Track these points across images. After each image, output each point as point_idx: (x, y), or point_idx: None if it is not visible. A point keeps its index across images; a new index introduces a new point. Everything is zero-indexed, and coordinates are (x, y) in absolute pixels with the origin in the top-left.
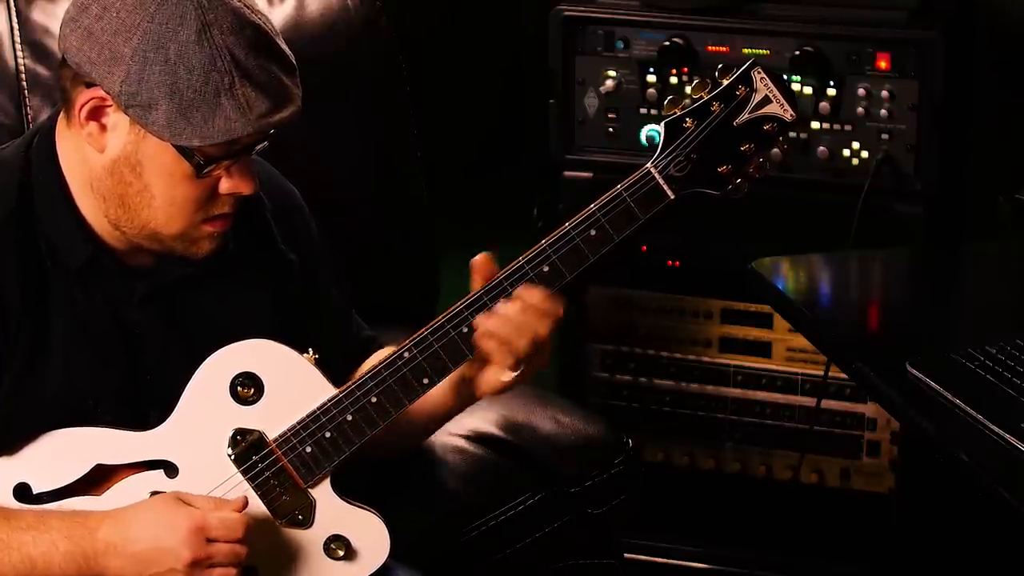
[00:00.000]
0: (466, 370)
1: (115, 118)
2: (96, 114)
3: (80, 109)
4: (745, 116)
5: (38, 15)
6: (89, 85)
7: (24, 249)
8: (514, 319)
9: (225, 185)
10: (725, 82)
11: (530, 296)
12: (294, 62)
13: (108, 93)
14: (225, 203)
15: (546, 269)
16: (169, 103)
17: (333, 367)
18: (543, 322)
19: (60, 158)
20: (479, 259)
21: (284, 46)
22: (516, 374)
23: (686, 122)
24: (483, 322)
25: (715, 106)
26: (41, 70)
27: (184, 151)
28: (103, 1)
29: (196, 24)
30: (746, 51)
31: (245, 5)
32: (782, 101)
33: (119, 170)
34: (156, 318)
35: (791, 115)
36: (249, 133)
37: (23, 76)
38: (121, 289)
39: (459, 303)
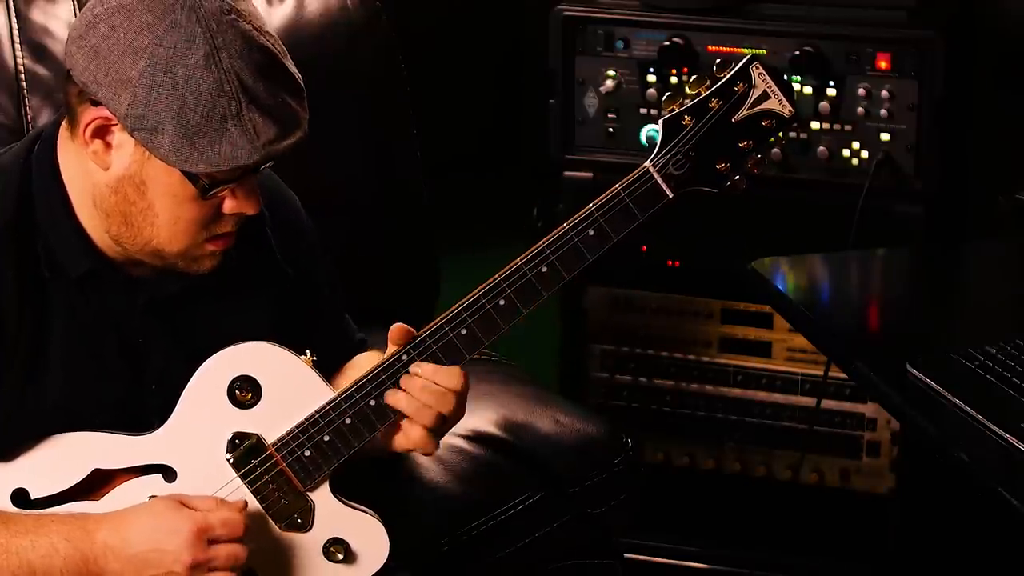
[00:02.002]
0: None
1: (120, 137)
2: (101, 132)
3: (85, 127)
4: (743, 112)
5: (38, 15)
6: (95, 103)
7: (23, 259)
8: (417, 398)
9: (229, 205)
10: (723, 78)
11: (430, 374)
12: (302, 84)
13: (114, 114)
14: (228, 222)
15: (545, 270)
16: (175, 128)
17: (323, 369)
18: (446, 400)
19: (61, 168)
20: (395, 331)
21: (292, 68)
22: (427, 442)
23: (684, 119)
24: (390, 398)
25: (713, 102)
26: (41, 70)
27: (189, 175)
28: (111, 20)
29: (205, 48)
30: (747, 51)
31: (255, 28)
32: (780, 97)
33: (123, 189)
34: (158, 328)
35: (789, 111)
36: (256, 160)
37: (23, 76)
38: (122, 300)
39: (457, 305)
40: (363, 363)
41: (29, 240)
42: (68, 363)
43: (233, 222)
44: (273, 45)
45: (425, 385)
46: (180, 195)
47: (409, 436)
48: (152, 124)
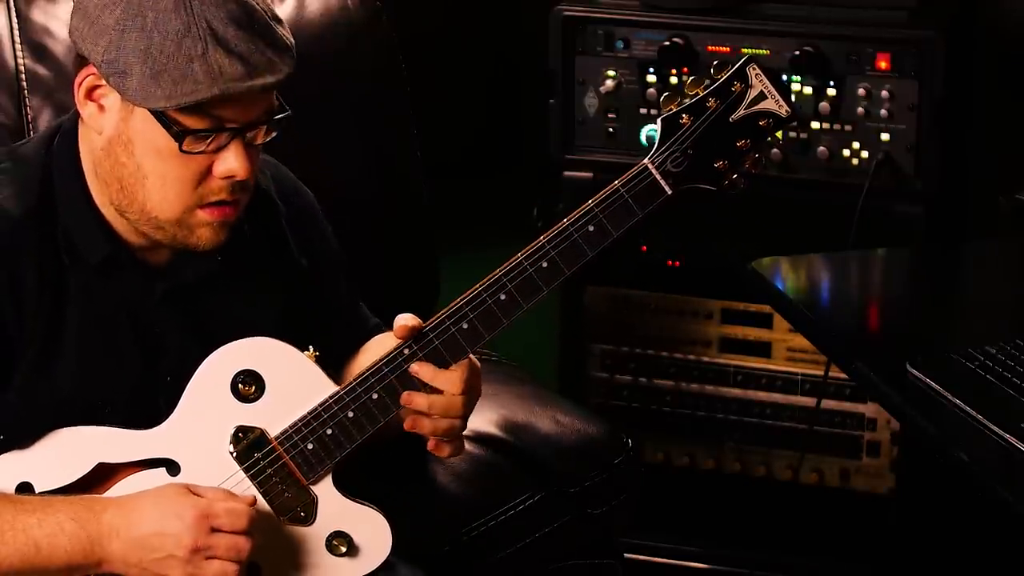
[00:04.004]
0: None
1: (109, 98)
2: (92, 93)
3: (78, 88)
4: (741, 112)
5: (38, 15)
6: (86, 63)
7: (43, 246)
8: (436, 405)
9: (219, 168)
10: (721, 78)
11: (429, 377)
12: (286, 43)
13: (94, 64)
14: (221, 189)
15: (545, 265)
16: (142, 68)
17: (343, 358)
18: (453, 406)
19: (81, 155)
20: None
21: (278, 28)
22: (456, 452)
23: (683, 118)
24: (410, 401)
25: (711, 102)
26: (41, 70)
27: (161, 120)
28: None
29: None
30: (747, 50)
31: None
32: (777, 97)
33: (114, 150)
34: (175, 318)
35: (786, 111)
36: (214, 94)
37: (23, 76)
38: (140, 288)
39: (459, 299)
40: (376, 346)
41: (50, 228)
42: (83, 351)
43: (227, 189)
44: (257, 3)
45: (431, 402)
46: (163, 151)
47: (442, 452)
48: (122, 67)
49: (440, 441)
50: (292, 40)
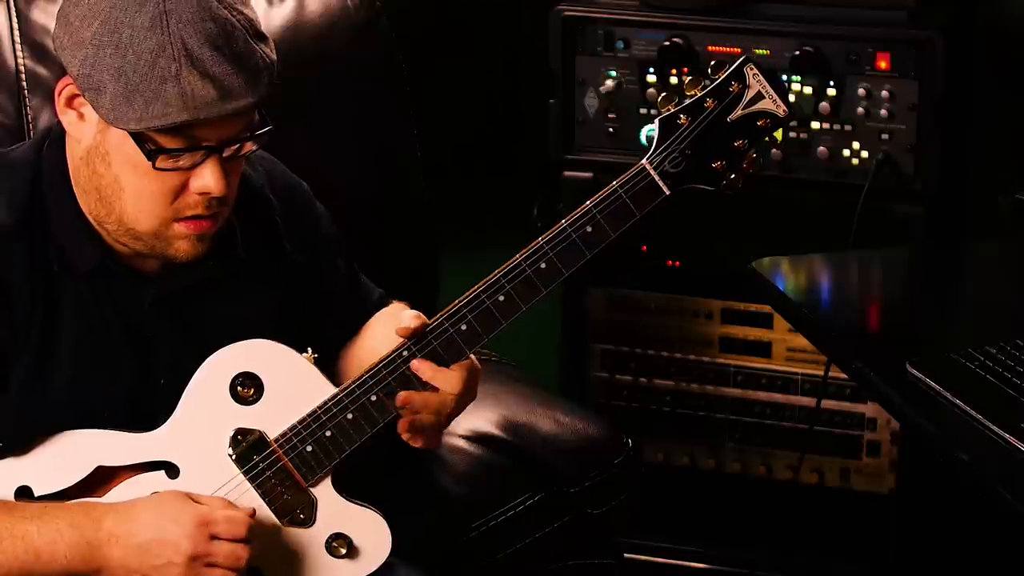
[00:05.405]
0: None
1: (89, 108)
2: (72, 102)
3: (59, 96)
4: (738, 112)
5: (38, 15)
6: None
7: (34, 254)
8: (431, 404)
9: (194, 184)
10: (718, 78)
11: (429, 375)
12: (265, 62)
13: (71, 76)
14: (198, 204)
15: (543, 266)
16: (115, 86)
17: (346, 339)
18: (445, 404)
19: (69, 161)
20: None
21: (259, 46)
22: (432, 443)
23: (680, 118)
24: (408, 400)
25: (709, 102)
26: (41, 70)
27: (136, 138)
28: None
29: (153, 11)
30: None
31: (219, 1)
32: (774, 97)
33: (92, 161)
34: (167, 323)
35: (784, 110)
36: (184, 119)
37: (23, 76)
38: (131, 295)
39: (458, 301)
40: (378, 324)
41: (40, 236)
42: (77, 357)
43: (203, 204)
44: (238, 21)
45: (426, 400)
46: (139, 166)
47: (415, 441)
48: (96, 83)
49: (416, 433)
50: (274, 57)
